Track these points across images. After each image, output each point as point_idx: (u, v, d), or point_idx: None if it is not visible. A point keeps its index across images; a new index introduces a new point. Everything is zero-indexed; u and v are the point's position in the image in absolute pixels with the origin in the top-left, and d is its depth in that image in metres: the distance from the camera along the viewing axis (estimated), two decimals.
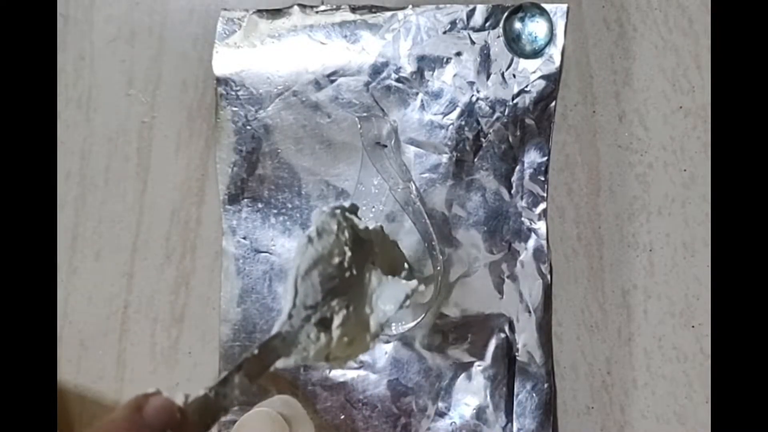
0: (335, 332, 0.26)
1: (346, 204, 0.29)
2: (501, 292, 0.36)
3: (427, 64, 0.36)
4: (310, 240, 0.26)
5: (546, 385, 0.36)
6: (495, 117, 0.36)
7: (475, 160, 0.36)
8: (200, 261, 0.38)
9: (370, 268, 0.28)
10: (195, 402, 0.22)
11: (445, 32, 0.36)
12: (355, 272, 0.27)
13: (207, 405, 0.22)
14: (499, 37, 0.35)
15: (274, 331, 0.25)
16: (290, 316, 0.25)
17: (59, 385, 0.38)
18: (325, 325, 0.26)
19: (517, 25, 0.35)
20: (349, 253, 0.27)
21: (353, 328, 0.27)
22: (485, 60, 0.36)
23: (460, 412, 0.36)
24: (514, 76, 0.35)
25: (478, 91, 0.36)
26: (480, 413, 0.36)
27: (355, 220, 0.28)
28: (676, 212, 0.37)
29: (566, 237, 0.38)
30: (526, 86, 0.35)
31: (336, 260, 0.27)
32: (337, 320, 0.26)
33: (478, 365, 0.36)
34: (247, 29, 0.36)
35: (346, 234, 0.27)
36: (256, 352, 0.24)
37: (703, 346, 0.37)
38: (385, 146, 0.36)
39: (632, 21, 0.38)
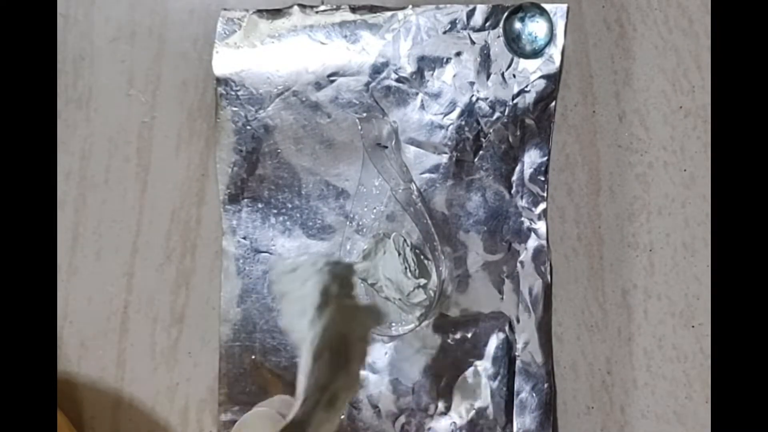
0: (340, 411, 0.25)
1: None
2: (501, 292, 0.36)
3: (427, 64, 0.36)
4: (317, 316, 0.25)
5: (546, 385, 0.36)
6: (495, 117, 0.36)
7: (475, 160, 0.36)
8: (200, 261, 0.38)
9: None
10: None
11: (445, 32, 0.36)
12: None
13: None
14: (499, 37, 0.35)
15: (288, 419, 0.24)
16: (305, 399, 0.24)
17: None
18: (332, 404, 0.25)
19: (517, 25, 0.35)
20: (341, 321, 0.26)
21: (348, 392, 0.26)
22: (485, 60, 0.36)
23: (460, 412, 0.36)
24: (514, 76, 0.36)
25: (478, 91, 0.36)
26: (480, 413, 0.36)
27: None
28: (676, 212, 0.37)
29: (566, 237, 0.38)
30: (526, 86, 0.35)
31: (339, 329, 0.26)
32: (342, 397, 0.25)
33: (478, 365, 0.36)
34: (247, 29, 0.36)
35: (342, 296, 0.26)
36: None
37: (703, 346, 0.37)
38: (386, 147, 0.36)
39: (632, 21, 0.38)
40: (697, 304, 0.37)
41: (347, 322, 0.26)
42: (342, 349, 0.25)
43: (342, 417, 0.36)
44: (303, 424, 0.24)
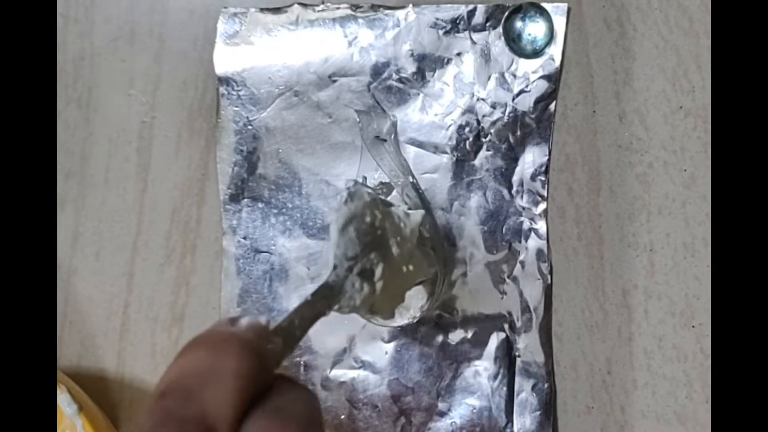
0: (377, 284, 0.28)
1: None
2: (501, 292, 0.36)
3: (427, 64, 0.36)
4: (344, 202, 0.28)
5: (546, 385, 0.36)
6: (495, 117, 0.36)
7: (476, 160, 0.36)
8: (200, 261, 0.38)
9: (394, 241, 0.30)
10: (276, 330, 0.23)
11: (445, 32, 0.36)
12: (385, 233, 0.29)
13: (285, 336, 0.23)
14: (500, 37, 0.35)
15: (322, 282, 0.27)
16: (335, 266, 0.27)
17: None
18: (366, 276, 0.27)
19: (518, 24, 0.35)
20: (379, 216, 0.29)
21: (392, 282, 0.29)
22: (486, 60, 0.36)
23: (460, 412, 0.36)
24: (514, 76, 0.36)
25: (478, 92, 0.36)
26: (480, 413, 0.36)
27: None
28: (676, 212, 0.37)
29: (566, 237, 0.38)
30: (527, 86, 0.35)
31: (368, 219, 0.28)
32: (377, 272, 0.28)
33: (478, 365, 0.36)
34: (248, 28, 0.36)
35: (377, 202, 0.30)
36: (309, 298, 0.25)
37: (703, 346, 0.37)
38: (385, 140, 0.36)
39: (632, 21, 0.38)
40: (697, 304, 0.37)
41: (372, 207, 0.29)
42: (372, 232, 0.28)
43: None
44: (336, 288, 0.26)
